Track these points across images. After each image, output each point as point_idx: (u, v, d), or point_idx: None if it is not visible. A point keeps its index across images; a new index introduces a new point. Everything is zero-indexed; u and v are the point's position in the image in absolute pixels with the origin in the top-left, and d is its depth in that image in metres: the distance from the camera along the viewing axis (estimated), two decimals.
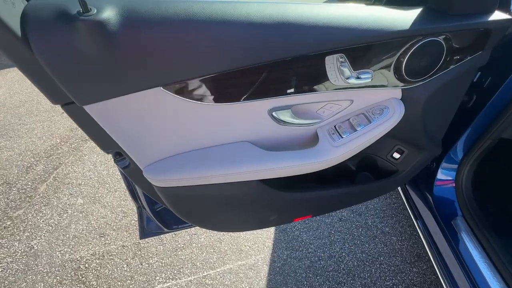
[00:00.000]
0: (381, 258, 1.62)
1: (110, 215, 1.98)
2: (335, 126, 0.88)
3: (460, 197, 1.22)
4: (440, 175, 1.24)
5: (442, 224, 1.25)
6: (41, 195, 2.17)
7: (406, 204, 1.48)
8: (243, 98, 0.73)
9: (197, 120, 0.73)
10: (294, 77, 0.74)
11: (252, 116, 0.79)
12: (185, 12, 0.58)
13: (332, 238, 1.74)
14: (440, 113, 0.93)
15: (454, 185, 1.22)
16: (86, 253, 1.75)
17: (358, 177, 1.21)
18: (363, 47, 0.71)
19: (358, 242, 1.71)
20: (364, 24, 0.68)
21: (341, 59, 0.71)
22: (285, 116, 0.82)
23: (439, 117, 0.95)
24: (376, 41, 0.70)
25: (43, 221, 1.96)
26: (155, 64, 0.60)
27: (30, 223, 1.96)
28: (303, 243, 1.72)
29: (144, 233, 1.25)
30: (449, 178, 1.22)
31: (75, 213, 2.01)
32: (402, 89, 0.83)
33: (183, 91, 0.67)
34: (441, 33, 0.73)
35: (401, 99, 0.85)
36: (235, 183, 0.86)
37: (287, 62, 0.69)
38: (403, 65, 0.75)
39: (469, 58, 0.80)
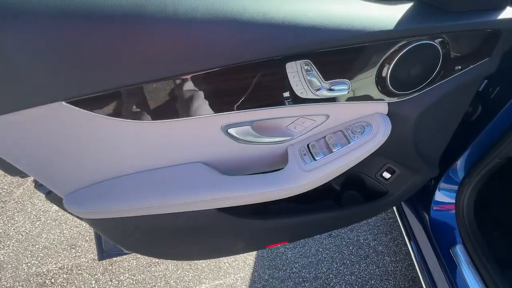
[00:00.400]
0: (372, 282, 1.47)
1: (84, 224, 1.85)
2: (308, 145, 0.73)
3: (460, 222, 1.07)
4: (438, 196, 1.09)
5: (439, 252, 1.11)
6: (16, 200, 2.05)
7: (400, 223, 1.33)
8: (180, 114, 0.58)
9: (122, 141, 0.58)
10: (249, 88, 0.58)
11: (201, 134, 0.64)
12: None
13: (320, 256, 1.59)
14: (436, 132, 0.77)
15: (454, 208, 1.07)
16: (54, 266, 1.62)
17: (343, 197, 1.06)
18: (335, 52, 0.55)
19: (348, 262, 1.56)
20: (334, 22, 0.52)
21: (306, 67, 0.56)
22: (245, 134, 0.67)
23: (435, 136, 0.79)
24: (351, 44, 0.55)
25: (14, 229, 1.85)
26: (47, 71, 0.45)
27: (0, 231, 1.84)
28: (287, 261, 1.58)
29: (103, 254, 1.12)
30: (448, 200, 1.07)
31: (48, 221, 1.89)
32: (388, 103, 0.68)
33: (98, 106, 0.52)
34: (437, 35, 0.57)
35: (387, 115, 0.70)
36: (188, 213, 0.71)
37: (237, 70, 0.54)
38: (388, 75, 0.60)
39: (472, 66, 0.64)
